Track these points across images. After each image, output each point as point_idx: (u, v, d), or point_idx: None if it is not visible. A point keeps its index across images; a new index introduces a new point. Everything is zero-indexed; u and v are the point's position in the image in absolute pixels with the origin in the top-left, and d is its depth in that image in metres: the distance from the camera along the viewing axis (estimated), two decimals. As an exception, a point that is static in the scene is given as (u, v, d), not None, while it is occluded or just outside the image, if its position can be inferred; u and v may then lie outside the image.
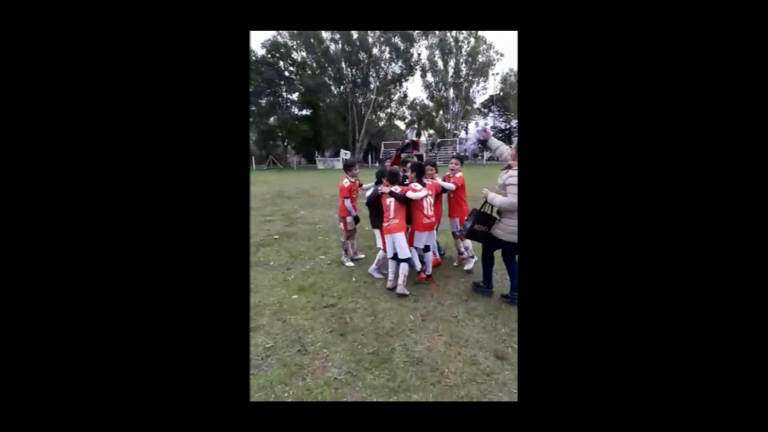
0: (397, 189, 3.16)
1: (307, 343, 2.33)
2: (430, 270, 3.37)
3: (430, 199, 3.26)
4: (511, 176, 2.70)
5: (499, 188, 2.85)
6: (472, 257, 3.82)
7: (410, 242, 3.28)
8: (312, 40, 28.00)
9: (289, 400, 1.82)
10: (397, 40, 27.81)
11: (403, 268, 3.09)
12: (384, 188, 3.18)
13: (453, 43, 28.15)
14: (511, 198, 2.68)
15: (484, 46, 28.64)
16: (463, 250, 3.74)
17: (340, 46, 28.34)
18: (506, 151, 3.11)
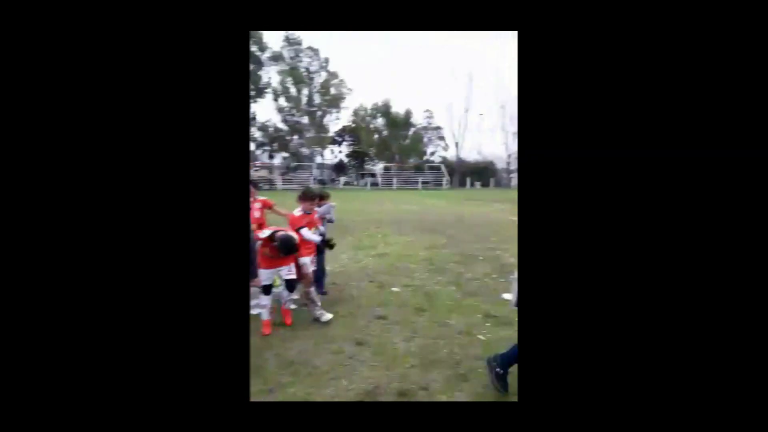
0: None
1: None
2: (265, 316, 2.80)
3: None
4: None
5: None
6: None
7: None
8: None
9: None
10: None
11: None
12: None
13: (306, 74, 29.25)
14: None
15: (336, 80, 30.21)
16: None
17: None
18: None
